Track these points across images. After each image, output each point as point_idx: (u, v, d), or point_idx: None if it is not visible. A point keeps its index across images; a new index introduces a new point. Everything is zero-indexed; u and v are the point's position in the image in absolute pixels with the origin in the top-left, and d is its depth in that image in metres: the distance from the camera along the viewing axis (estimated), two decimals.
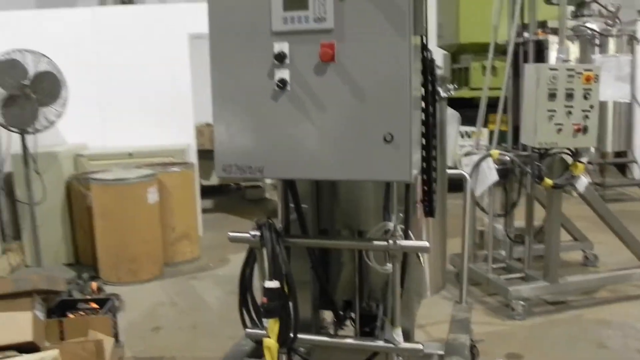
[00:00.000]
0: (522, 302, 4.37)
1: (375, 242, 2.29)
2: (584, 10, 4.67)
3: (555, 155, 4.31)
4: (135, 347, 4.02)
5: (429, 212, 2.66)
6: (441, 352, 2.77)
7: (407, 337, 2.57)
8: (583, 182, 4.41)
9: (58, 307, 3.66)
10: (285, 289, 2.33)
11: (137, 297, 4.98)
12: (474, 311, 4.56)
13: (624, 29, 4.58)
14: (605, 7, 4.63)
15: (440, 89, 2.97)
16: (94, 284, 4.88)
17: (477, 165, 4.54)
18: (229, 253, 5.85)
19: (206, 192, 8.03)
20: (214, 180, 8.35)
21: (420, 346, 2.40)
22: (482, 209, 4.72)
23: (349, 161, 2.07)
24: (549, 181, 4.29)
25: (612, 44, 4.61)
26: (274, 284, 2.27)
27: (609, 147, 4.74)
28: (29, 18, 6.45)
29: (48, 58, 5.34)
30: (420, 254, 2.39)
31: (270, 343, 2.34)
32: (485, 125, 5.18)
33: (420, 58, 2.34)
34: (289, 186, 2.50)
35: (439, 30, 8.95)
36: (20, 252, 5.75)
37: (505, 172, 4.66)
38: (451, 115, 3.49)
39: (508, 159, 4.43)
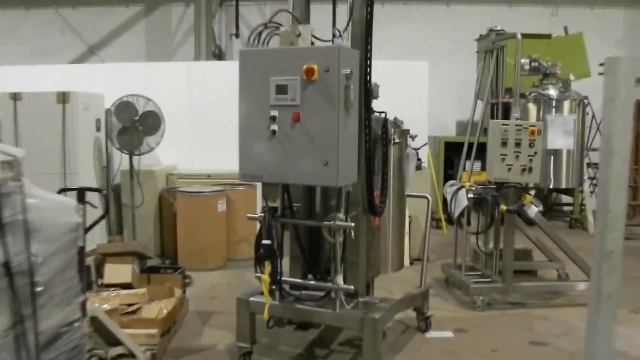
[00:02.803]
0: (481, 297, 6.03)
1: (325, 222, 4.18)
2: (546, 80, 6.35)
3: (509, 188, 6.00)
4: (197, 306, 6.00)
5: (371, 212, 4.51)
6: (376, 301, 4.56)
7: (356, 293, 4.42)
8: (533, 209, 6.07)
9: (147, 270, 5.73)
10: (275, 247, 4.26)
11: (204, 279, 7.00)
12: (447, 301, 6.32)
13: (573, 94, 6.18)
14: (559, 78, 6.28)
15: (394, 137, 4.83)
16: None
17: (455, 193, 6.30)
18: None
19: None
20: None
21: (351, 287, 4.24)
22: (460, 227, 6.43)
23: (306, 174, 3.98)
24: (503, 207, 5.98)
25: (566, 106, 6.23)
26: (267, 241, 4.20)
27: (563, 184, 6.32)
28: (141, 69, 8.84)
29: (153, 101, 7.57)
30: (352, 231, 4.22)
31: (264, 278, 4.25)
32: None
33: (359, 119, 4.23)
34: (285, 189, 4.43)
35: None
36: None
37: (480, 200, 6.38)
38: (411, 155, 5.26)
39: (474, 189, 6.16)
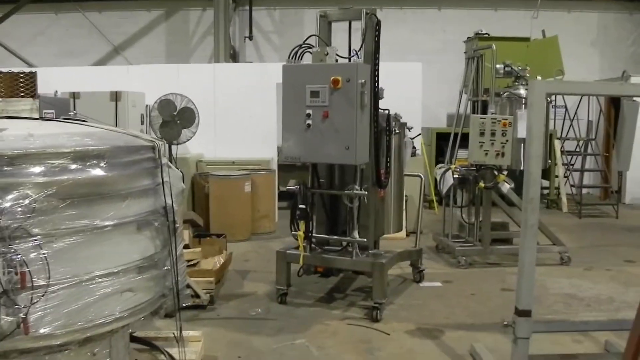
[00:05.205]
0: (464, 258, 7.66)
1: (345, 192, 5.79)
2: (517, 81, 7.97)
3: (487, 169, 7.63)
4: (235, 266, 7.60)
5: (378, 185, 6.12)
6: (382, 252, 6.17)
7: (367, 246, 6.03)
8: (506, 186, 7.70)
9: (195, 236, 7.33)
10: (309, 210, 5.88)
11: (234, 248, 8.54)
12: (438, 262, 7.95)
13: None
14: (527, 80, 7.91)
15: (395, 129, 6.43)
16: None
17: (443, 174, 7.93)
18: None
19: (285, 196, 11.61)
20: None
21: (364, 240, 5.86)
22: (447, 203, 8.06)
23: (332, 155, 5.59)
24: (481, 184, 7.61)
25: None
26: (303, 206, 5.81)
27: None
28: (173, 70, 10.41)
29: (189, 98, 9.13)
30: (364, 198, 5.83)
31: (300, 234, 5.87)
32: None
33: (370, 115, 5.83)
34: (313, 167, 6.04)
35: None
36: None
37: (463, 180, 8.00)
38: (408, 143, 6.85)
39: (459, 170, 7.79)
